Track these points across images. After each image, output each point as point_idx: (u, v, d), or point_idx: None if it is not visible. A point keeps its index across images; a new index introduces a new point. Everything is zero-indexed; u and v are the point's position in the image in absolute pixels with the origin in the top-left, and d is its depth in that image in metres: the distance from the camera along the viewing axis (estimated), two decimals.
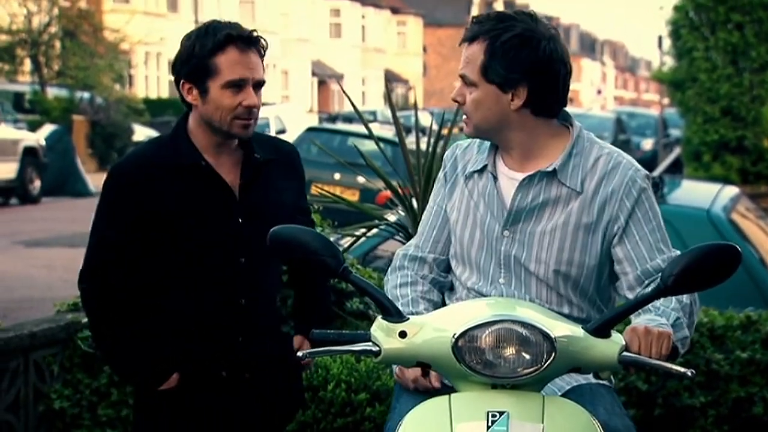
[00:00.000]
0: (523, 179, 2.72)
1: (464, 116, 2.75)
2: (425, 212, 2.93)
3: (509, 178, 2.75)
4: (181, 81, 3.03)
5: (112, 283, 3.03)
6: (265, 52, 3.06)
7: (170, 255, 3.04)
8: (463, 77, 2.72)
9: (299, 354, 2.48)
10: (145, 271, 3.05)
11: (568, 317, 2.66)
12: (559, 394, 2.62)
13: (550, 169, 2.71)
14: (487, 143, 2.80)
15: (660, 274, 2.48)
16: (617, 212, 2.70)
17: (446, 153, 2.93)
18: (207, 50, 2.97)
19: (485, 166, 2.78)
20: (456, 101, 2.75)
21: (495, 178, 2.76)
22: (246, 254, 3.06)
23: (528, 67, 2.65)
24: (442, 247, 2.86)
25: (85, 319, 4.42)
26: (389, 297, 2.59)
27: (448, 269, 2.87)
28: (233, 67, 2.97)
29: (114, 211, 3.04)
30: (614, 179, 2.71)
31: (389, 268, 2.94)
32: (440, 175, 2.91)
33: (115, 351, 3.10)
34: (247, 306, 3.08)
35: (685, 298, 2.65)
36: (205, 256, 3.04)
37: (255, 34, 3.04)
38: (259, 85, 3.04)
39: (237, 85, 2.98)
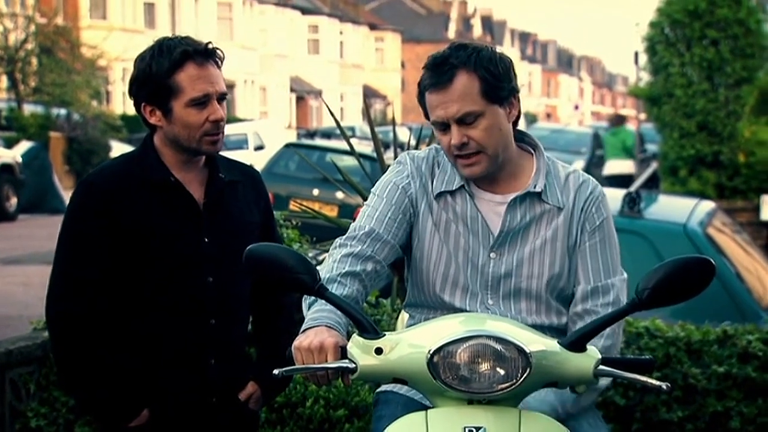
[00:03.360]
0: (511, 201, 2.72)
1: (466, 159, 2.65)
2: (374, 204, 2.74)
3: (487, 201, 2.74)
4: (142, 104, 2.98)
5: (84, 304, 2.93)
6: (221, 62, 3.01)
7: (138, 274, 2.97)
8: (463, 118, 2.63)
9: (275, 372, 2.41)
10: (113, 292, 2.97)
11: (558, 328, 2.70)
12: (551, 413, 2.58)
13: (537, 189, 2.73)
14: (448, 162, 2.74)
15: (605, 297, 2.60)
16: (585, 224, 2.75)
17: (405, 164, 2.78)
18: (165, 70, 2.91)
19: (461, 187, 2.75)
20: (464, 143, 2.63)
21: (473, 198, 2.74)
22: (213, 274, 3.02)
23: (510, 74, 2.70)
24: (400, 239, 2.71)
25: None
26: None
27: (390, 266, 2.77)
28: (194, 83, 2.92)
29: (82, 226, 2.96)
30: (584, 193, 2.77)
31: (344, 235, 2.72)
32: (400, 182, 2.75)
33: (83, 385, 2.99)
34: (218, 327, 3.03)
35: (606, 342, 2.65)
36: (173, 275, 2.98)
37: (210, 45, 2.98)
38: (222, 97, 2.99)
39: (201, 102, 2.94)
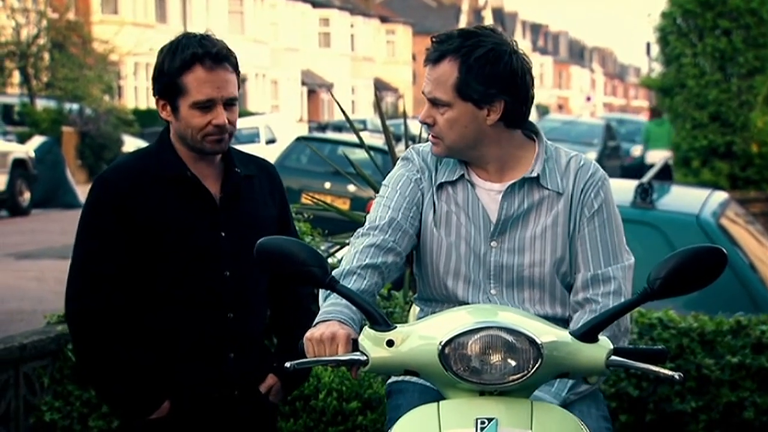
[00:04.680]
0: (507, 188, 2.72)
1: (432, 137, 2.72)
2: (389, 195, 2.75)
3: (486, 190, 2.74)
4: (156, 97, 3.02)
5: (102, 300, 2.95)
6: (236, 66, 3.01)
7: (155, 270, 2.99)
8: (433, 100, 2.68)
9: (287, 365, 2.41)
10: (131, 287, 2.99)
11: (562, 319, 2.69)
12: (557, 403, 2.59)
13: (533, 174, 2.72)
14: None
15: (606, 287, 2.60)
16: (583, 208, 2.73)
17: (412, 159, 2.79)
18: (174, 69, 2.94)
19: (462, 176, 2.75)
20: (425, 123, 2.71)
21: (473, 187, 2.74)
22: (231, 267, 3.03)
23: (504, 81, 2.65)
24: (407, 243, 2.72)
25: None
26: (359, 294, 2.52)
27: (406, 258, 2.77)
28: (200, 87, 2.93)
29: (98, 222, 2.99)
30: (585, 176, 2.76)
31: (364, 226, 2.71)
32: (411, 175, 2.77)
33: (102, 379, 3.02)
34: (236, 320, 3.04)
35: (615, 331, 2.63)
36: (190, 270, 3.00)
37: (224, 50, 2.97)
38: (230, 102, 2.99)
39: (205, 106, 2.95)
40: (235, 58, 3.02)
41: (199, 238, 3.00)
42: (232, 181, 3.07)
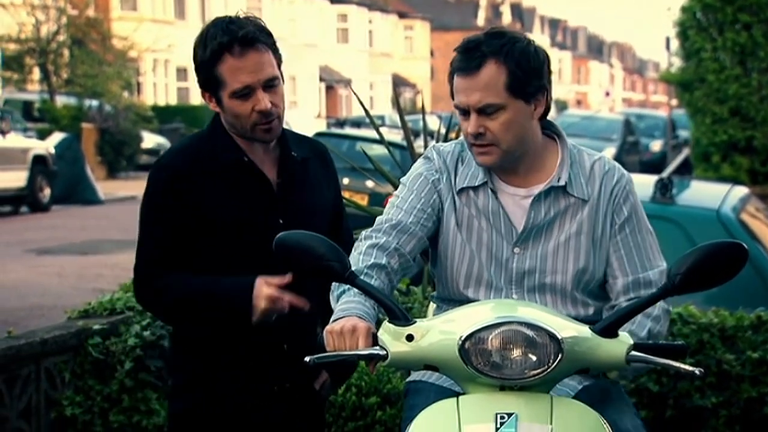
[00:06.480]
0: (535, 197, 2.70)
1: (481, 148, 2.64)
2: (404, 195, 2.73)
3: (511, 195, 2.73)
4: (201, 90, 2.94)
5: (167, 277, 2.89)
6: (272, 44, 2.89)
7: (212, 257, 2.91)
8: (483, 108, 2.61)
9: (306, 359, 2.40)
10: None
11: (584, 319, 2.67)
12: (572, 395, 2.62)
13: (561, 183, 2.71)
14: (470, 154, 2.74)
15: (647, 290, 2.59)
16: (614, 215, 2.73)
17: (432, 159, 2.77)
18: (206, 61, 2.86)
19: (484, 183, 2.72)
20: (479, 134, 2.63)
21: (496, 194, 2.73)
22: None
23: (544, 71, 2.66)
24: (415, 246, 2.71)
25: (96, 326, 4.45)
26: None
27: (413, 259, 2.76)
28: (234, 75, 2.83)
29: (160, 207, 2.91)
30: (611, 182, 2.75)
31: (363, 244, 2.70)
32: (429, 176, 2.75)
33: (203, 304, 2.91)
34: (291, 311, 2.92)
35: (657, 326, 2.67)
36: (248, 258, 2.90)
37: (252, 31, 2.84)
38: (270, 84, 2.87)
39: (244, 93, 2.85)
40: (269, 35, 2.89)
41: (256, 226, 2.90)
42: (289, 166, 2.98)
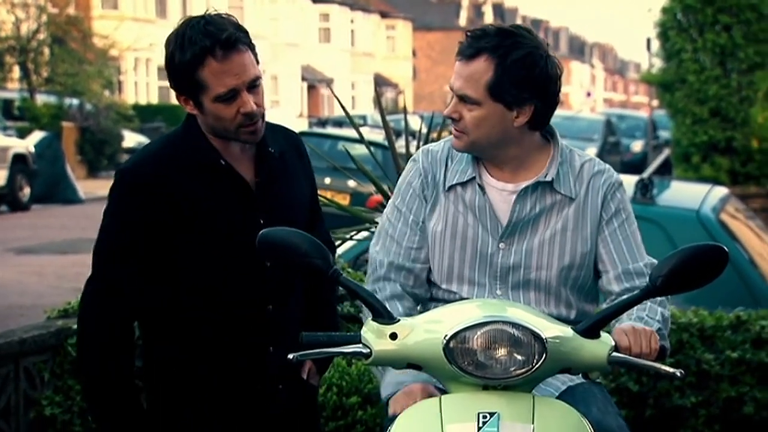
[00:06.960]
0: (521, 191, 2.71)
1: (455, 130, 2.70)
2: (392, 217, 2.81)
3: (499, 190, 2.74)
4: (175, 92, 2.85)
5: (119, 307, 2.79)
6: (249, 43, 2.80)
7: (192, 263, 2.84)
8: (463, 97, 2.64)
9: (289, 357, 2.40)
10: (165, 283, 2.83)
11: (567, 319, 2.69)
12: (556, 395, 2.63)
13: (548, 179, 2.72)
14: (463, 154, 2.77)
15: (640, 280, 2.59)
16: (602, 213, 2.75)
17: (418, 161, 2.80)
18: (186, 64, 2.76)
19: (473, 178, 2.74)
20: (451, 118, 2.69)
21: (483, 190, 2.74)
22: None
23: (538, 86, 2.64)
24: (424, 257, 2.79)
25: (76, 326, 4.41)
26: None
27: (426, 281, 2.81)
28: (219, 79, 2.75)
29: (127, 217, 2.81)
30: (600, 182, 2.77)
31: (371, 276, 2.82)
32: (414, 183, 2.79)
33: (105, 402, 2.86)
34: (275, 312, 2.89)
35: (666, 312, 2.70)
36: (229, 261, 2.84)
37: (233, 33, 2.75)
38: (253, 84, 2.81)
39: (229, 97, 2.78)
40: (246, 32, 2.81)
41: (237, 228, 2.83)
42: (267, 164, 2.91)
